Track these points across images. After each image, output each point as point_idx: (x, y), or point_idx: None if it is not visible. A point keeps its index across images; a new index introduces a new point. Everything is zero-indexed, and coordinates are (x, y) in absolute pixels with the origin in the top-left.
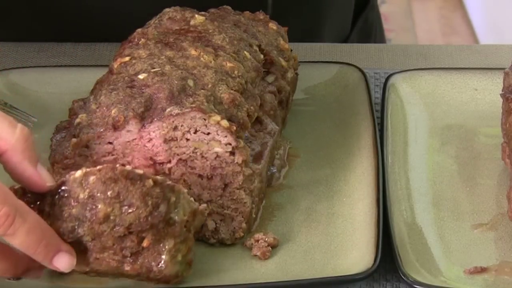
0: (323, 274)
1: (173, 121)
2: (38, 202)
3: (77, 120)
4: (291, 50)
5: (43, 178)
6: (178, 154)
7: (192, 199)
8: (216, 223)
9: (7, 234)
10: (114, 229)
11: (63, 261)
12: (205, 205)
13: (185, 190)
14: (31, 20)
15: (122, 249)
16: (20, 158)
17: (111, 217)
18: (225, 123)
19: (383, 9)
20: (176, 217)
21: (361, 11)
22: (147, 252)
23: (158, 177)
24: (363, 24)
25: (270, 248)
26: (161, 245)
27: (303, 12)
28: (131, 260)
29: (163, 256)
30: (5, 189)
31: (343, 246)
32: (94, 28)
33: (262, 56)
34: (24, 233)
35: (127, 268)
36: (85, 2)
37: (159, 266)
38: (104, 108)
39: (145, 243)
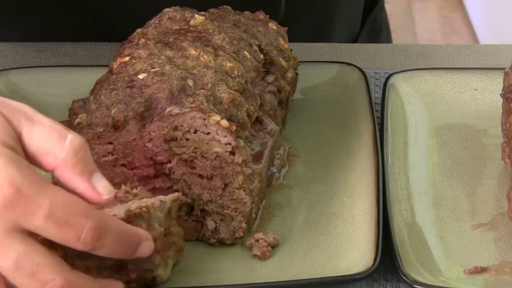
0: (323, 274)
1: (173, 121)
2: None
3: (77, 120)
4: (291, 50)
5: (98, 191)
6: (178, 154)
7: (161, 197)
8: (216, 223)
9: (95, 248)
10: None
11: (145, 249)
12: (175, 194)
13: (151, 201)
14: (31, 20)
15: (121, 278)
16: (71, 174)
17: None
18: (224, 123)
19: None
20: (154, 233)
21: (370, 11)
22: (140, 276)
23: (122, 214)
24: (372, 24)
25: (270, 248)
26: (149, 264)
27: (314, 11)
28: (128, 286)
29: (155, 273)
30: (83, 202)
31: (343, 246)
32: (94, 28)
33: (262, 56)
34: (111, 244)
35: (132, 286)
36: (85, 2)
37: (156, 281)
38: (104, 108)
39: (132, 276)
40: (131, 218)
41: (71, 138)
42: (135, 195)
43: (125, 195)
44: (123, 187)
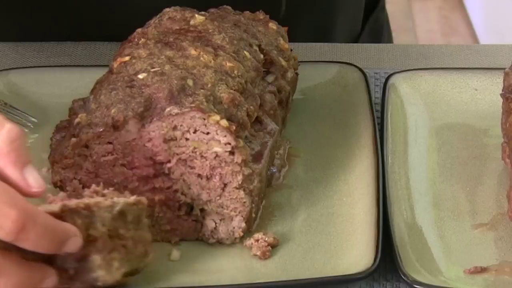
0: (323, 274)
1: (172, 121)
2: None
3: (77, 119)
4: (291, 50)
5: (29, 183)
6: (177, 154)
7: (115, 199)
8: (215, 223)
9: (18, 240)
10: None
11: (72, 246)
12: (134, 197)
13: (99, 199)
14: (31, 20)
15: (61, 275)
16: (4, 162)
17: None
18: (224, 122)
19: None
20: (95, 232)
21: (372, 11)
22: (80, 275)
23: (57, 208)
24: (374, 24)
25: (270, 248)
26: (89, 263)
27: (315, 11)
28: (73, 283)
29: (97, 273)
30: (12, 192)
31: (343, 246)
32: (95, 28)
33: (262, 56)
34: (35, 237)
35: (77, 286)
36: (85, 1)
37: (98, 282)
38: (104, 108)
39: (70, 271)
40: (65, 213)
41: (9, 127)
42: (103, 195)
43: (92, 194)
44: (93, 186)
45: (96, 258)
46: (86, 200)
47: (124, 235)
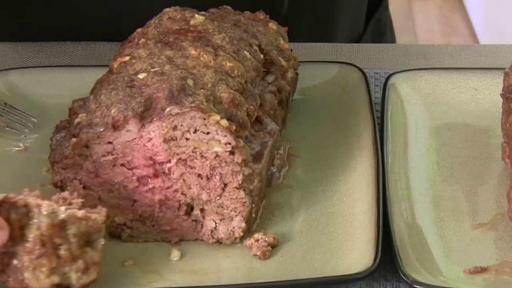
0: (323, 274)
1: (172, 121)
2: None
3: (77, 119)
4: (291, 50)
5: None
6: (177, 154)
7: (62, 208)
8: (215, 223)
9: None
10: None
11: None
12: (82, 211)
13: (45, 203)
14: (31, 20)
15: None
16: None
17: None
18: (224, 122)
19: None
20: (28, 232)
21: (374, 11)
22: (11, 272)
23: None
24: (377, 24)
25: (270, 248)
26: (18, 262)
27: (317, 9)
28: (7, 277)
29: (24, 274)
30: None
31: (343, 246)
32: (94, 28)
33: (262, 56)
34: None
35: (11, 284)
36: (85, 1)
37: (24, 284)
38: (104, 108)
39: None
40: (5, 204)
41: None
42: (70, 203)
43: (59, 199)
44: (64, 193)
45: (24, 259)
46: (30, 199)
47: (60, 245)
